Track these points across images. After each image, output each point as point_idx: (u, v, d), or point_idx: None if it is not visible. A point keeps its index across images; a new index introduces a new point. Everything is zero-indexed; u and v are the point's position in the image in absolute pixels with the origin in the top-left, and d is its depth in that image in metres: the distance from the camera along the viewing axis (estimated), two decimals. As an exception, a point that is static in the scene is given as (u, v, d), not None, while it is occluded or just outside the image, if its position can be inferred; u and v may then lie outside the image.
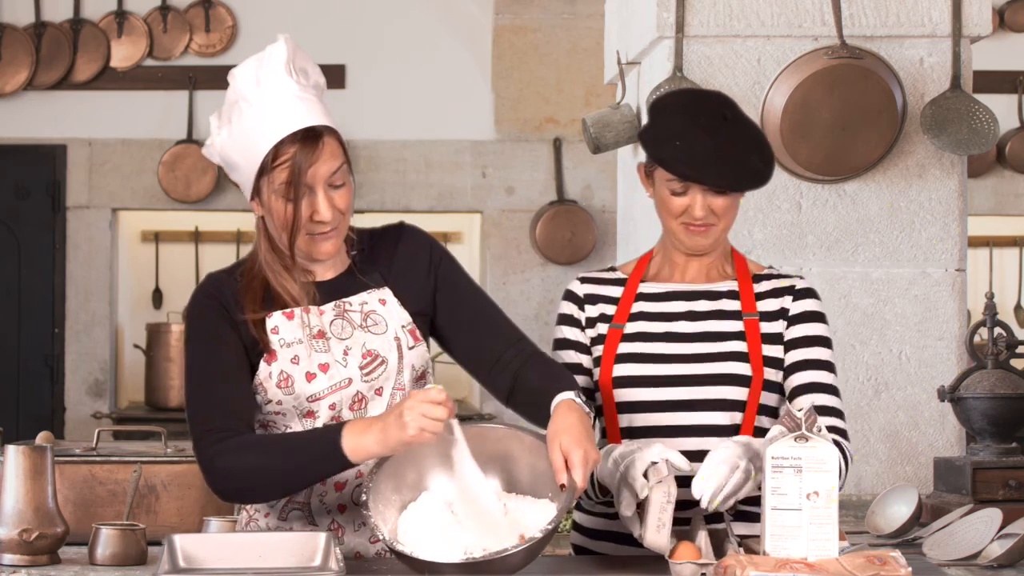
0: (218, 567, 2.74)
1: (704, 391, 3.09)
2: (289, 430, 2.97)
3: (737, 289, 3.16)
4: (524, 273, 8.28)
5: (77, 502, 3.79)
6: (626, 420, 3.10)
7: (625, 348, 3.13)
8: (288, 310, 2.97)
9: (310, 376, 2.94)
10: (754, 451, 2.85)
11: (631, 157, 4.95)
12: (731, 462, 2.82)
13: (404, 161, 8.33)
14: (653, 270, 3.22)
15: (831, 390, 3.12)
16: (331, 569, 2.69)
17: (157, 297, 8.80)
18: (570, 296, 3.22)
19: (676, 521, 2.87)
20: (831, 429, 2.99)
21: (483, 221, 8.36)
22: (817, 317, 3.16)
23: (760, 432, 3.09)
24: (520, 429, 2.92)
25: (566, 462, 2.78)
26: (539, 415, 2.92)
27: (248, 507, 3.07)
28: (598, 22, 6.27)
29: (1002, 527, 3.13)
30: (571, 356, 3.18)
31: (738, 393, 3.08)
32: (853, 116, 4.52)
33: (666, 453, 2.86)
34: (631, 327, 3.15)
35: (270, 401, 2.96)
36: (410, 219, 7.32)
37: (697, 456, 2.93)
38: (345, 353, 2.96)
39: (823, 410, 3.04)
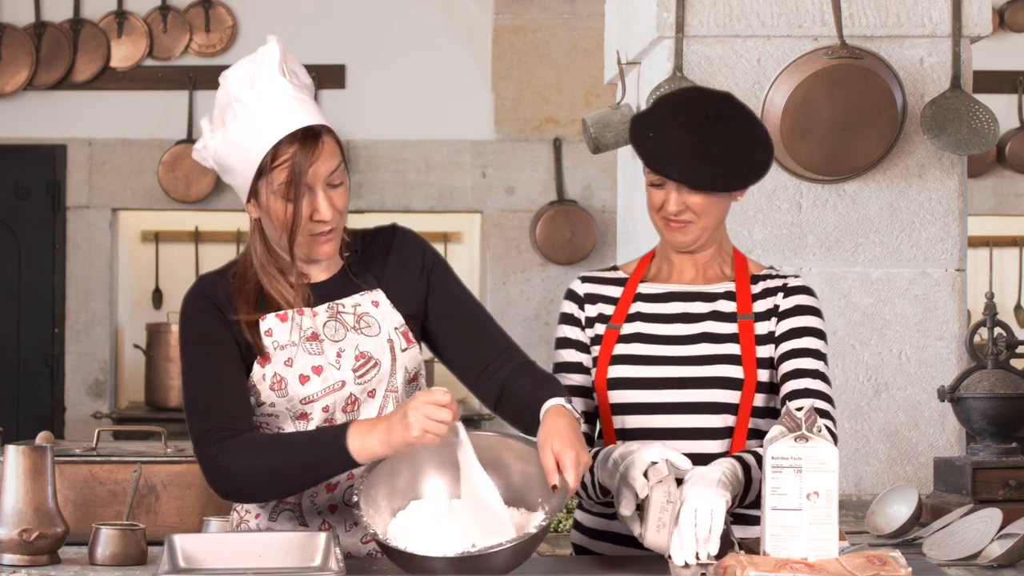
0: (218, 567, 2.74)
1: (697, 394, 3.08)
2: (282, 432, 2.97)
3: (734, 290, 3.16)
4: (524, 273, 8.28)
5: (77, 502, 3.79)
6: (620, 422, 3.10)
7: (620, 349, 3.13)
8: (281, 312, 2.96)
9: (303, 378, 2.94)
10: (703, 482, 2.82)
11: (631, 157, 4.95)
12: (691, 516, 2.78)
13: (404, 161, 8.33)
14: (653, 270, 3.22)
15: (818, 375, 3.08)
16: (331, 569, 2.69)
17: (157, 297, 8.80)
18: (571, 295, 3.23)
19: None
20: (816, 411, 2.97)
21: (483, 221, 8.36)
22: (808, 311, 3.14)
23: (755, 434, 3.09)
24: (510, 436, 2.91)
25: (558, 465, 2.78)
26: (528, 421, 2.91)
27: (239, 508, 3.06)
28: (598, 22, 6.27)
29: (1002, 527, 3.13)
30: (571, 355, 3.18)
31: (730, 396, 3.07)
32: (853, 116, 4.52)
33: (666, 453, 2.85)
34: (627, 328, 3.15)
35: (263, 403, 2.96)
36: (410, 219, 7.28)
37: (697, 458, 2.93)
38: (338, 355, 2.95)
39: (809, 393, 3.02)
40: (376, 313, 3.00)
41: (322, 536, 2.80)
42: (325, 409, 2.94)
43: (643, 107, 4.73)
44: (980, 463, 3.83)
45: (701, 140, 3.02)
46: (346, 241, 3.03)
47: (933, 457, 4.19)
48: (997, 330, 3.92)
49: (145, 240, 8.82)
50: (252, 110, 2.90)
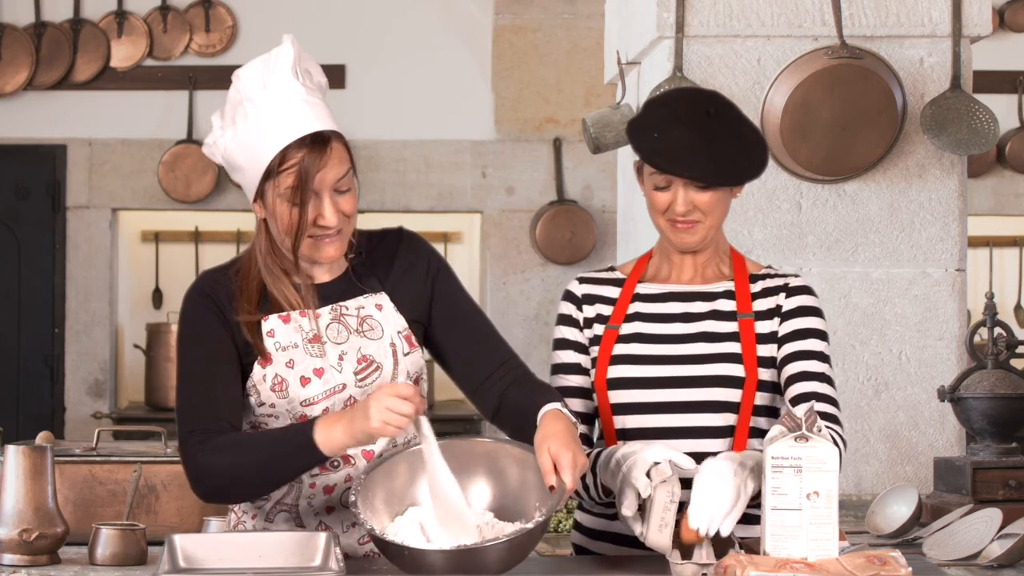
0: (218, 567, 2.74)
1: (698, 393, 3.08)
2: (255, 430, 2.97)
3: (733, 289, 3.16)
4: (524, 273, 8.28)
5: (77, 502, 3.80)
6: (620, 422, 3.10)
7: (620, 349, 3.13)
8: (284, 313, 2.96)
9: (304, 380, 2.94)
10: (745, 467, 2.82)
11: (631, 157, 4.95)
12: (720, 484, 2.80)
13: (404, 161, 8.33)
14: (651, 271, 3.21)
15: (824, 379, 3.10)
16: (331, 569, 2.69)
17: (157, 297, 8.80)
18: (569, 296, 3.22)
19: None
20: (823, 416, 2.98)
21: (483, 221, 8.36)
22: (811, 311, 3.14)
23: (756, 433, 3.09)
24: (507, 442, 2.91)
25: (555, 466, 2.77)
26: (525, 428, 2.90)
27: (236, 509, 3.07)
28: (598, 22, 6.27)
29: (1002, 527, 3.13)
30: (570, 356, 3.18)
31: (731, 395, 3.07)
32: (853, 116, 4.52)
33: (669, 453, 2.85)
34: (627, 328, 3.14)
35: (263, 404, 2.95)
36: (410, 219, 7.28)
37: (698, 458, 2.93)
38: (340, 358, 2.95)
39: (815, 397, 3.03)
40: (379, 316, 3.00)
41: (322, 536, 2.80)
42: (325, 411, 2.94)
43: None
44: (980, 463, 3.83)
45: (705, 136, 3.03)
46: (351, 243, 3.02)
47: (933, 457, 4.19)
48: (997, 330, 3.93)
49: (145, 240, 8.82)
50: (263, 111, 2.89)
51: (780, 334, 3.12)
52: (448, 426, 7.17)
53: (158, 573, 2.68)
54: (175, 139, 8.25)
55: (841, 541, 2.73)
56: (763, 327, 3.12)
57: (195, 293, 3.00)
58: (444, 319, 3.05)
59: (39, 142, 8.30)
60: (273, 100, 2.89)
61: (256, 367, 2.94)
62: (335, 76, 8.12)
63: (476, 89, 8.30)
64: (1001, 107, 7.85)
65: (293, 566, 2.77)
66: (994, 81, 7.99)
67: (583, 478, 3.04)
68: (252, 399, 2.96)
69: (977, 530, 3.18)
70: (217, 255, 8.52)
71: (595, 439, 3.20)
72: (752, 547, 2.80)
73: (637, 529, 2.85)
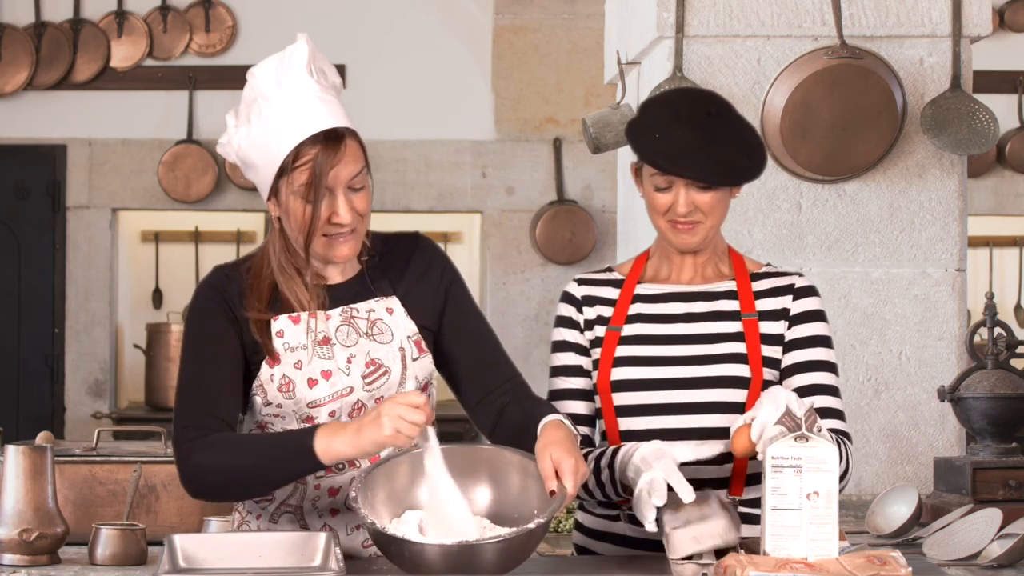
0: (218, 567, 2.74)
1: (703, 394, 3.07)
2: (253, 432, 2.97)
3: (735, 289, 3.15)
4: (524, 273, 8.28)
5: (77, 502, 3.80)
6: (625, 423, 3.09)
7: (623, 351, 3.12)
8: (294, 314, 2.95)
9: (312, 382, 2.93)
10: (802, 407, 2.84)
11: (631, 157, 4.95)
12: (781, 403, 2.80)
13: (404, 161, 8.33)
14: (650, 271, 3.20)
15: (832, 391, 3.10)
16: (331, 569, 2.69)
17: (157, 297, 8.80)
18: (568, 298, 3.20)
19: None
20: (832, 431, 2.98)
21: (483, 221, 8.36)
22: (818, 316, 3.14)
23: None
24: (509, 449, 2.90)
25: (556, 473, 2.77)
26: (524, 442, 2.90)
27: (240, 509, 3.06)
28: (598, 22, 6.27)
29: (1002, 527, 3.13)
30: (571, 358, 3.17)
31: (737, 395, 3.07)
32: (853, 116, 4.52)
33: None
34: (628, 329, 3.14)
35: (270, 403, 2.95)
36: (410, 219, 7.28)
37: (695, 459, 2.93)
38: (348, 361, 2.95)
39: (824, 412, 3.03)
40: (390, 320, 2.99)
41: (322, 536, 2.80)
42: (332, 414, 2.93)
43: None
44: (980, 463, 3.83)
45: (706, 137, 3.02)
46: (365, 245, 3.02)
47: (933, 457, 4.19)
48: (997, 330, 3.93)
49: (145, 240, 8.82)
50: (277, 108, 2.88)
51: (787, 339, 3.12)
52: (449, 426, 7.17)
53: (158, 573, 2.68)
54: (175, 139, 8.25)
55: (841, 541, 2.73)
56: (768, 328, 3.12)
57: (206, 288, 2.99)
58: (452, 331, 3.05)
59: (39, 142, 8.30)
60: (287, 97, 2.89)
61: (264, 367, 2.94)
62: (335, 76, 8.11)
63: (476, 89, 8.30)
64: (1001, 107, 7.85)
65: (293, 566, 2.77)
66: (994, 81, 7.99)
67: (585, 484, 3.04)
68: (259, 399, 2.95)
69: (977, 530, 3.18)
70: (217, 255, 8.52)
71: (597, 441, 3.19)
72: (752, 547, 2.80)
73: (653, 516, 2.85)
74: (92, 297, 8.31)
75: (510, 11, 8.19)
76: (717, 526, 2.77)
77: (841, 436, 3.05)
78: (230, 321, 2.94)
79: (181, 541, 2.78)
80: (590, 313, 3.17)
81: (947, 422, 4.54)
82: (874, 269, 4.60)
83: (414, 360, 2.98)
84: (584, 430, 3.13)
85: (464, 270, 8.86)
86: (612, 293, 3.18)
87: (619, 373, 3.10)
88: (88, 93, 8.30)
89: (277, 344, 2.93)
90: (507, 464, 2.88)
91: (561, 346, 3.19)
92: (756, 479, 3.06)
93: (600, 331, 3.15)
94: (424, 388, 3.01)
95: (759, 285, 3.16)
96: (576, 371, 3.16)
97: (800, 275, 3.20)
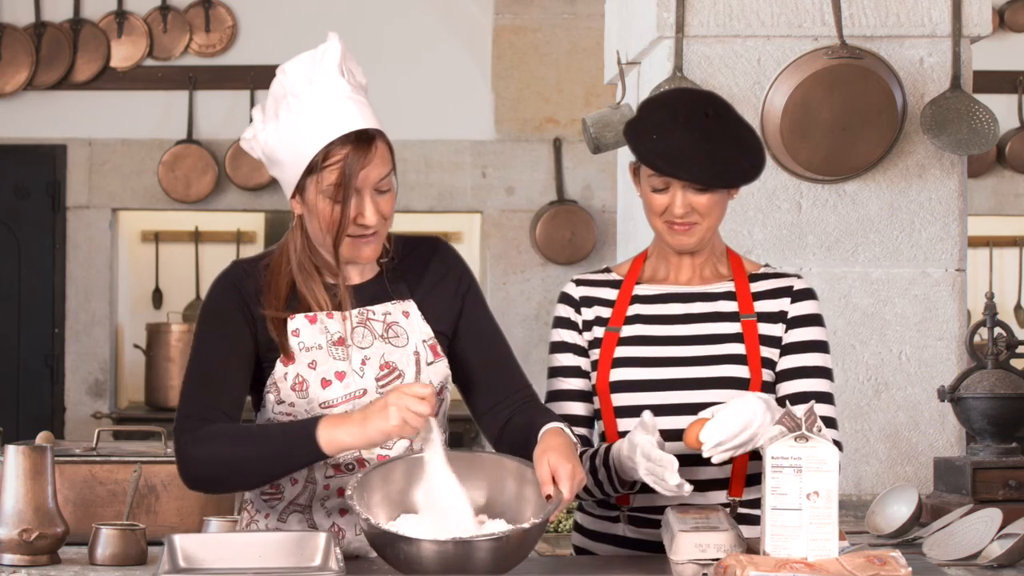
0: (218, 567, 2.74)
1: (702, 395, 3.07)
2: (252, 423, 2.97)
3: (734, 290, 3.15)
4: (524, 273, 8.28)
5: (77, 502, 3.79)
6: (624, 424, 3.08)
7: (622, 352, 3.11)
8: (311, 314, 2.95)
9: (325, 383, 2.93)
10: (772, 412, 2.83)
11: (630, 157, 4.95)
12: (745, 419, 2.81)
13: (404, 161, 8.32)
14: (648, 271, 3.20)
15: (826, 398, 3.10)
16: (331, 569, 2.69)
17: (157, 297, 8.80)
18: (566, 299, 3.20)
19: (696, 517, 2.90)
20: None
21: (483, 221, 8.36)
22: (815, 320, 3.14)
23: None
24: (509, 457, 2.90)
25: (553, 478, 2.77)
26: (525, 447, 2.89)
27: (249, 508, 3.06)
28: (598, 22, 6.27)
29: (1002, 527, 3.13)
30: (570, 359, 3.17)
31: (736, 396, 3.07)
32: (853, 116, 4.52)
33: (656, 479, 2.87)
34: (627, 330, 3.13)
35: (283, 402, 2.95)
36: (410, 219, 7.27)
37: (697, 459, 2.93)
38: (363, 363, 2.94)
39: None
40: (405, 324, 2.99)
41: (322, 536, 2.80)
42: None
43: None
44: (980, 463, 3.83)
45: (704, 138, 3.02)
46: (385, 246, 3.01)
47: (933, 457, 4.19)
48: (997, 330, 3.93)
49: (145, 240, 8.83)
50: (308, 106, 2.88)
51: (784, 342, 3.11)
52: (450, 425, 7.15)
53: (158, 573, 2.68)
54: (175, 139, 8.25)
55: (841, 541, 2.72)
56: (767, 329, 3.11)
57: (223, 282, 2.99)
58: (466, 338, 3.05)
59: (39, 142, 8.30)
60: (318, 96, 2.88)
61: (278, 365, 2.94)
62: (335, 76, 8.11)
63: (476, 89, 8.30)
64: (1001, 107, 7.86)
65: (293, 566, 2.76)
66: (994, 81, 7.99)
67: (585, 485, 3.03)
68: (271, 396, 2.95)
69: (977, 530, 3.18)
70: (217, 255, 8.53)
71: (596, 443, 3.19)
72: (752, 547, 2.80)
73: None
74: (92, 297, 8.31)
75: (510, 11, 8.19)
76: (723, 538, 2.77)
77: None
78: (244, 317, 2.94)
79: (181, 541, 2.78)
80: (588, 314, 3.17)
81: (947, 422, 4.54)
82: (874, 269, 4.60)
83: (429, 364, 2.98)
84: (583, 431, 3.13)
85: (464, 270, 8.76)
86: (610, 294, 3.18)
87: (618, 374, 3.10)
88: (88, 93, 8.30)
89: (292, 343, 2.93)
90: (504, 470, 2.88)
91: (559, 347, 3.18)
92: (756, 480, 3.06)
93: (599, 332, 3.15)
94: (439, 393, 3.00)
95: (757, 286, 3.15)
96: (575, 372, 3.16)
97: (799, 276, 3.19)
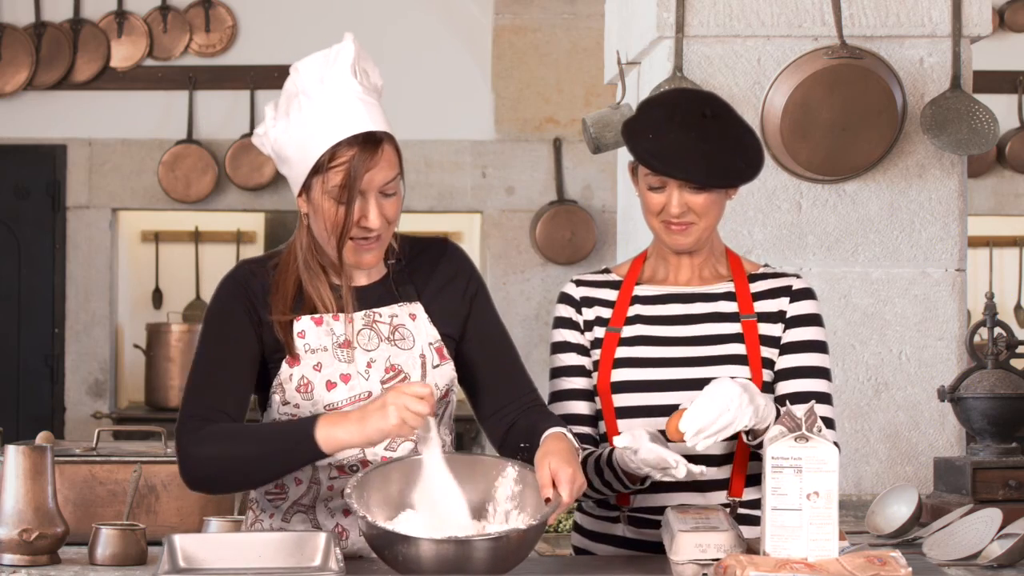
0: (218, 567, 2.74)
1: (704, 395, 3.07)
2: (252, 423, 2.96)
3: (734, 290, 3.15)
4: (524, 273, 8.28)
5: (77, 502, 3.79)
6: (625, 425, 3.08)
7: (623, 352, 3.11)
8: (317, 316, 2.95)
9: (331, 385, 2.93)
10: (748, 393, 2.84)
11: (630, 157, 4.95)
12: (721, 404, 2.82)
13: (404, 161, 8.30)
14: (648, 272, 3.20)
15: (824, 398, 3.09)
16: (331, 569, 2.69)
17: (157, 297, 8.80)
18: (566, 299, 3.20)
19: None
20: None
21: (483, 221, 8.36)
22: (814, 320, 3.13)
23: (760, 433, 3.08)
24: (510, 460, 2.90)
25: (553, 482, 2.77)
26: (528, 451, 2.90)
27: (254, 508, 3.06)
28: (598, 22, 6.27)
29: (1002, 527, 3.13)
30: (572, 359, 3.16)
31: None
32: (853, 116, 4.52)
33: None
34: (628, 331, 3.13)
35: (288, 403, 2.95)
36: (410, 219, 7.27)
37: (700, 459, 2.93)
38: (368, 365, 2.94)
39: None
40: (412, 326, 2.98)
41: (322, 536, 2.80)
42: None
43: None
44: (980, 463, 3.83)
45: (700, 138, 3.02)
46: (392, 248, 3.01)
47: (933, 457, 4.19)
48: (997, 330, 3.93)
49: (145, 240, 8.83)
50: (318, 106, 2.88)
51: (783, 341, 3.11)
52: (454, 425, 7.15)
53: (158, 573, 2.68)
54: (175, 139, 8.25)
55: (841, 541, 2.72)
56: (767, 330, 3.11)
57: (230, 282, 2.98)
58: (473, 341, 3.04)
59: (39, 142, 8.30)
60: (329, 95, 2.88)
61: (284, 366, 2.94)
62: (335, 76, 8.10)
63: (476, 89, 8.30)
64: (1001, 107, 7.86)
65: (293, 566, 2.76)
66: (994, 81, 7.99)
67: (591, 485, 3.03)
68: (277, 397, 2.95)
69: (977, 530, 3.18)
70: (217, 255, 8.52)
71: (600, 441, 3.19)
72: (752, 547, 2.80)
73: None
74: (92, 297, 8.31)
75: (510, 11, 8.19)
76: (723, 538, 2.78)
77: None
78: (250, 318, 2.94)
79: (181, 541, 2.78)
80: (589, 314, 3.17)
81: (947, 422, 4.54)
82: (874, 269, 4.60)
83: (435, 367, 2.98)
84: (588, 430, 3.13)
85: (464, 270, 8.78)
86: (610, 295, 3.18)
87: (619, 375, 3.10)
88: (88, 93, 8.30)
89: (298, 345, 2.93)
90: (503, 473, 2.87)
91: (562, 347, 3.18)
92: (756, 480, 3.06)
93: (600, 332, 3.15)
94: (445, 395, 3.00)
95: (757, 286, 3.15)
96: (578, 371, 3.15)
97: (798, 276, 3.19)
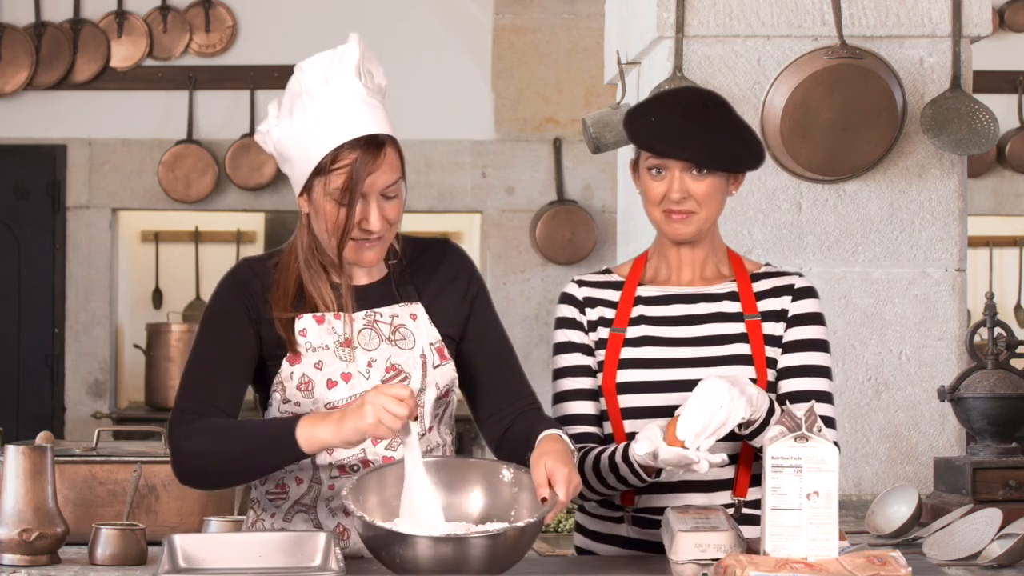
0: (218, 567, 2.74)
1: (708, 395, 3.06)
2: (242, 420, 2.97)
3: (736, 290, 3.14)
4: (524, 273, 8.28)
5: (77, 502, 3.79)
6: (631, 426, 3.07)
7: (628, 353, 3.10)
8: (318, 314, 2.95)
9: (331, 384, 2.93)
10: (738, 386, 2.84)
11: (630, 157, 4.95)
12: (712, 405, 2.82)
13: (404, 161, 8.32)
14: (650, 272, 3.19)
15: (825, 397, 3.09)
16: (331, 569, 2.69)
17: (157, 297, 8.80)
18: (569, 299, 3.19)
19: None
20: None
21: (483, 221, 8.36)
22: (815, 319, 3.13)
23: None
24: (505, 463, 2.90)
25: (549, 482, 2.77)
26: (524, 454, 2.89)
27: (255, 507, 3.06)
28: (598, 22, 6.27)
29: (1002, 527, 3.13)
30: (577, 359, 3.15)
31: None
32: (853, 116, 4.52)
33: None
34: (632, 332, 3.12)
35: (288, 401, 2.95)
36: (410, 219, 7.29)
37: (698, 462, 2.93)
38: (369, 365, 2.94)
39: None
40: (413, 327, 2.98)
41: (322, 536, 2.80)
42: None
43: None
44: (980, 463, 3.83)
45: (702, 127, 3.02)
46: (394, 248, 3.01)
47: (933, 457, 4.19)
48: (997, 330, 3.93)
49: (145, 240, 8.83)
50: (321, 107, 2.87)
51: (784, 340, 3.11)
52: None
53: (158, 573, 2.68)
54: (175, 139, 8.25)
55: (841, 541, 2.72)
56: (769, 329, 3.11)
57: (230, 279, 2.99)
58: (473, 343, 3.04)
59: (39, 142, 8.30)
60: (332, 97, 2.88)
61: (284, 364, 2.94)
62: (335, 76, 8.10)
63: (476, 89, 8.30)
64: (1001, 107, 7.86)
65: (293, 566, 2.76)
66: (994, 81, 7.99)
67: (591, 485, 3.03)
68: (277, 395, 2.96)
69: (977, 530, 3.18)
70: (217, 255, 8.52)
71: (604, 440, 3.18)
72: (752, 547, 2.80)
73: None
74: (92, 297, 8.31)
75: (510, 11, 8.19)
76: (723, 538, 2.78)
77: None
78: (249, 316, 2.94)
79: (181, 541, 2.78)
80: (592, 314, 3.16)
81: (947, 422, 4.54)
82: (874, 269, 4.60)
83: (435, 367, 2.98)
84: (594, 429, 3.12)
85: (464, 270, 8.80)
86: (613, 295, 3.17)
87: (624, 375, 3.09)
88: (88, 93, 8.30)
89: (300, 343, 2.93)
90: (498, 475, 2.87)
91: (566, 347, 3.16)
92: (760, 480, 3.05)
93: (603, 333, 3.14)
94: (445, 395, 3.00)
95: (759, 286, 3.15)
96: (584, 371, 3.14)
97: (800, 275, 3.19)
